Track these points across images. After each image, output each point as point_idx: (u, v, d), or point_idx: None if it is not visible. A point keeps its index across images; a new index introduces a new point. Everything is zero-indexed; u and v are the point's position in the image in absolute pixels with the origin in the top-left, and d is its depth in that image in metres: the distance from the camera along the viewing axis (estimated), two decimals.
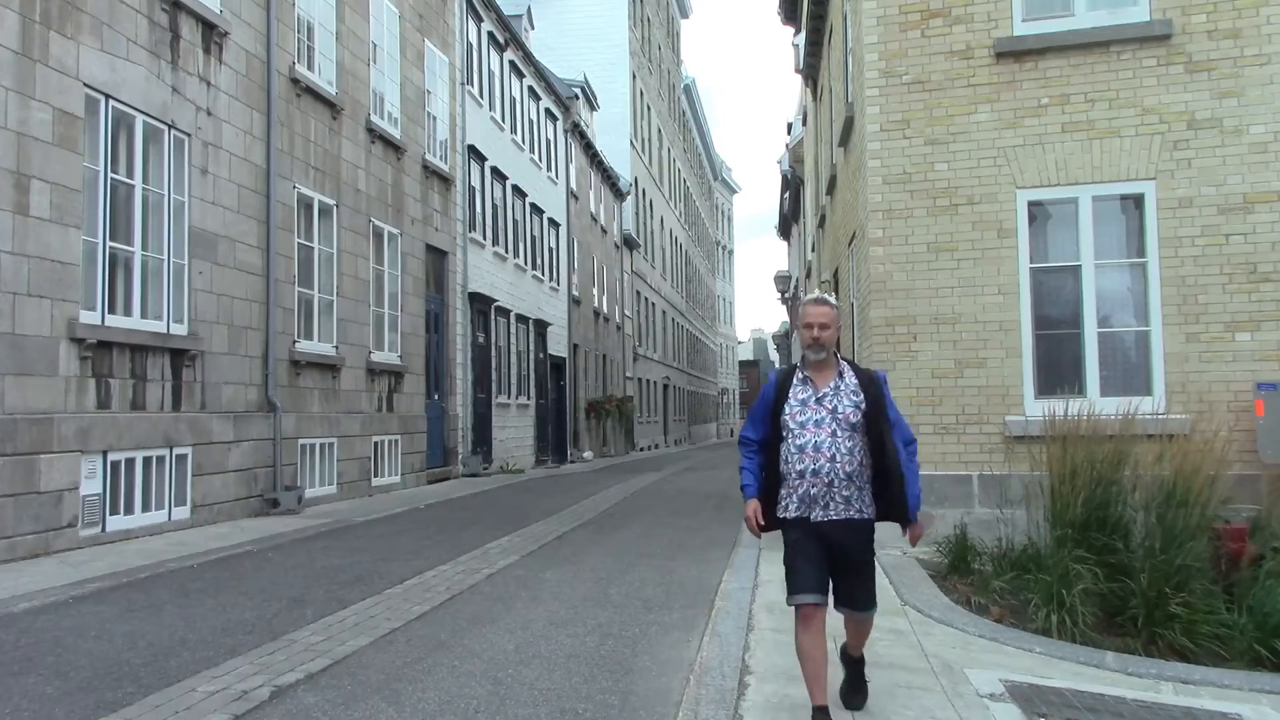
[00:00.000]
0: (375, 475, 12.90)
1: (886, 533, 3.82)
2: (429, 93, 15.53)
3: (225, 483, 9.49)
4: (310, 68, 11.60)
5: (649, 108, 38.65)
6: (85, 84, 7.75)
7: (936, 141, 7.77)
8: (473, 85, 17.82)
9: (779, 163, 29.06)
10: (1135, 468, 5.92)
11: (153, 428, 8.43)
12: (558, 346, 23.74)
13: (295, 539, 8.43)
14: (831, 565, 3.54)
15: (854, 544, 3.54)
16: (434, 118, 15.76)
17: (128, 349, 8.16)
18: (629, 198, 33.36)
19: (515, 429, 19.72)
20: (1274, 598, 5.08)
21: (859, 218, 8.60)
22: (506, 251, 19.58)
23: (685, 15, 51.02)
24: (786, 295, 27.31)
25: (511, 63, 20.59)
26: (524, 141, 21.37)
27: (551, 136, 23.94)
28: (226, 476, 9.52)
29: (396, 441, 13.58)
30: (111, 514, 7.93)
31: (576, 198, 25.95)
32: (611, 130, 32.81)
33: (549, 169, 23.49)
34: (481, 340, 17.78)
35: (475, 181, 17.78)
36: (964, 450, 7.51)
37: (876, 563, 3.72)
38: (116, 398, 8.00)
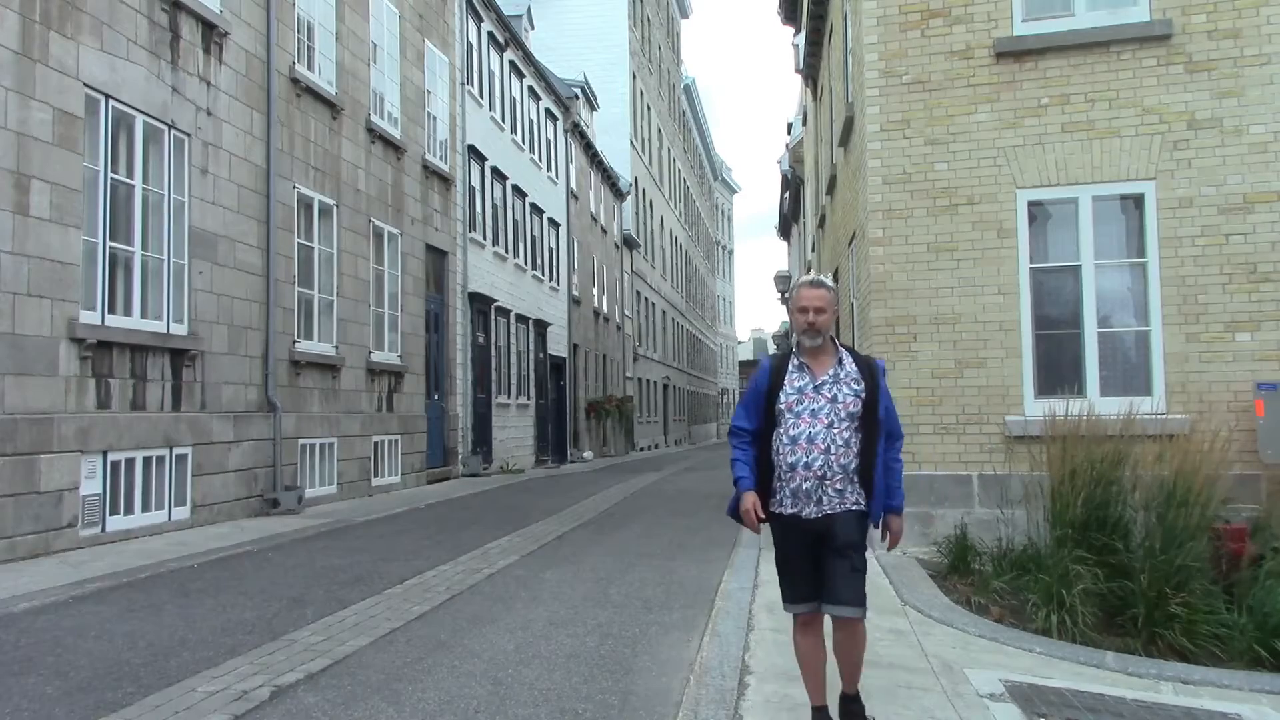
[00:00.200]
0: (375, 475, 12.90)
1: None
2: (429, 93, 15.54)
3: (225, 483, 9.49)
4: (310, 68, 11.60)
5: (649, 108, 38.66)
6: (85, 84, 7.75)
7: (936, 141, 7.77)
8: (473, 85, 17.82)
9: (779, 163, 29.06)
10: (1135, 468, 5.92)
11: (153, 428, 8.43)
12: (558, 346, 23.74)
13: (295, 539, 8.43)
14: (820, 560, 3.36)
15: (844, 533, 3.31)
16: (434, 118, 15.77)
17: (128, 349, 8.16)
18: (629, 198, 33.36)
19: (515, 429, 19.73)
20: (1274, 598, 5.08)
21: (859, 218, 8.60)
22: (506, 251, 19.58)
23: (685, 15, 51.02)
24: (786, 295, 27.31)
25: (511, 63, 20.60)
26: (524, 141, 21.37)
27: (551, 136, 23.95)
28: (226, 476, 9.52)
29: (396, 441, 13.58)
30: (111, 514, 7.93)
31: (576, 198, 25.95)
32: (611, 130, 32.81)
33: (549, 169, 23.49)
34: (481, 340, 17.78)
35: (475, 181, 17.78)
36: (964, 450, 7.51)
37: (873, 560, 3.56)
38: (116, 398, 8.00)
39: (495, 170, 18.98)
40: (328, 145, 11.89)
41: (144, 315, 8.44)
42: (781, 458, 3.37)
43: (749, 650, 4.60)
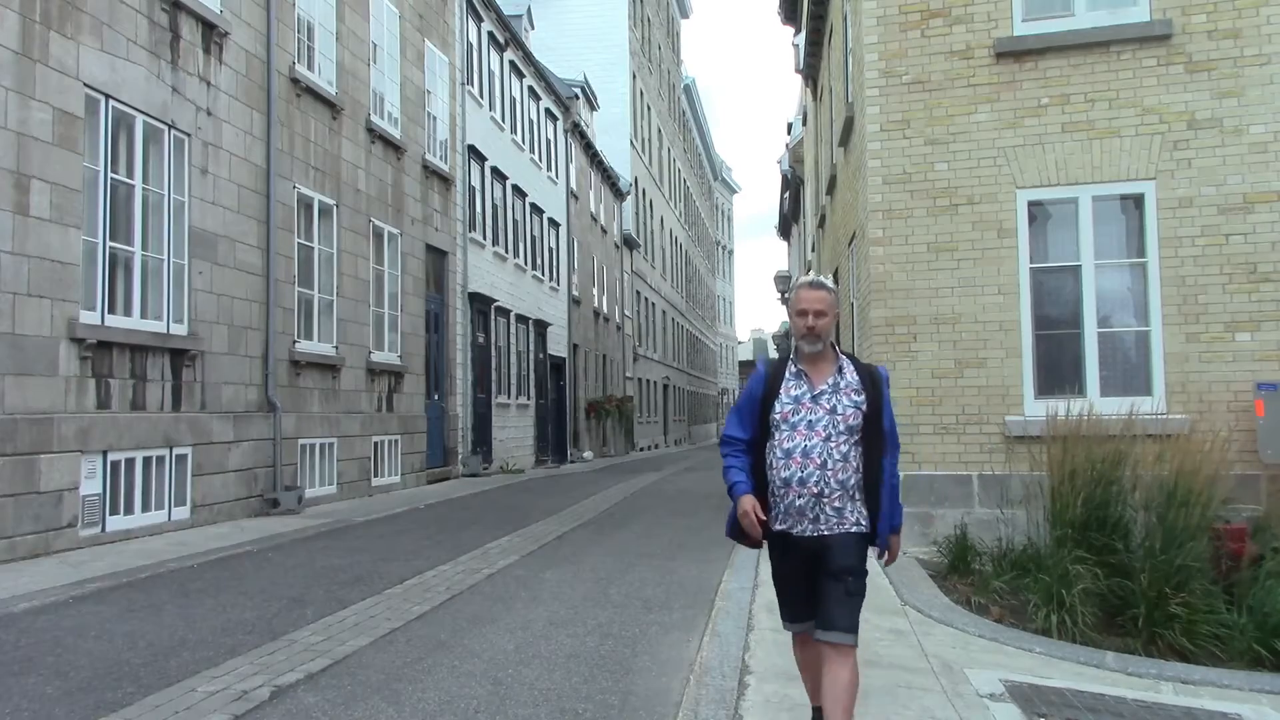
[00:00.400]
0: (375, 475, 12.90)
1: None
2: (429, 93, 15.54)
3: (225, 483, 9.49)
4: (310, 68, 11.60)
5: (649, 108, 38.66)
6: (85, 84, 7.75)
7: (936, 141, 7.78)
8: (473, 85, 17.82)
9: (779, 163, 29.06)
10: (1135, 468, 5.92)
11: (153, 428, 8.43)
12: (558, 346, 23.74)
13: (295, 539, 8.43)
14: (816, 582, 3.12)
15: (840, 557, 3.04)
16: (434, 118, 15.77)
17: (128, 349, 8.16)
18: (629, 198, 33.36)
19: (515, 429, 19.73)
20: (1274, 598, 5.08)
21: (859, 218, 8.60)
22: (506, 251, 19.58)
23: (685, 15, 51.03)
24: (786, 295, 27.31)
25: (511, 63, 20.60)
26: (524, 141, 21.37)
27: (551, 136, 23.95)
28: (226, 476, 9.52)
29: (396, 441, 13.58)
30: (111, 514, 7.93)
31: (576, 198, 25.96)
32: (611, 130, 32.81)
33: (549, 169, 23.49)
34: (481, 340, 17.78)
35: (475, 181, 17.78)
36: (964, 450, 7.51)
37: (873, 561, 3.26)
38: (116, 398, 8.00)
39: (495, 170, 18.98)
40: (328, 145, 11.89)
41: (144, 315, 8.44)
42: (775, 472, 3.13)
43: (749, 650, 4.60)
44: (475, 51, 18.19)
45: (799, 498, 3.08)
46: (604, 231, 29.90)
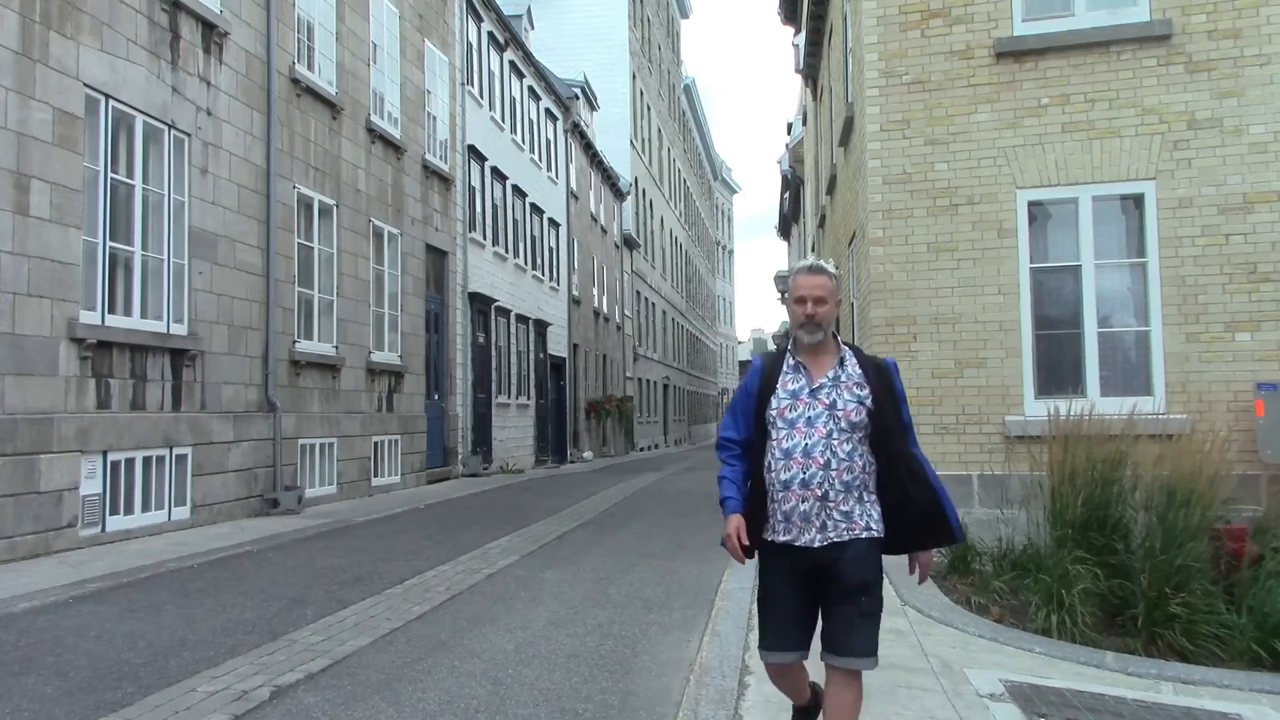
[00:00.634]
0: (375, 475, 12.90)
1: None
2: (429, 93, 15.54)
3: (225, 483, 9.49)
4: (310, 68, 11.60)
5: (649, 108, 38.66)
6: (85, 84, 7.75)
7: (936, 141, 7.77)
8: (473, 85, 17.82)
9: (779, 163, 29.07)
10: (1135, 468, 5.91)
11: (153, 428, 8.43)
12: (558, 346, 23.74)
13: (295, 539, 8.43)
14: (824, 599, 2.83)
15: (855, 573, 2.77)
16: (434, 118, 15.77)
17: (128, 349, 8.16)
18: (629, 198, 33.36)
19: (515, 429, 19.72)
20: (1274, 598, 5.08)
21: (859, 218, 8.60)
22: (506, 251, 19.58)
23: (685, 15, 51.03)
24: (786, 295, 27.29)
25: (511, 63, 20.59)
26: (524, 141, 21.37)
27: (551, 136, 23.95)
28: (226, 476, 9.52)
29: (396, 441, 13.58)
30: (111, 514, 7.93)
31: (576, 198, 25.95)
32: (611, 130, 32.81)
33: (549, 169, 23.49)
34: (481, 340, 17.78)
35: (475, 181, 17.78)
36: (964, 450, 7.51)
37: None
38: (116, 398, 8.00)
39: (495, 170, 18.98)
40: (328, 145, 11.89)
41: (144, 315, 8.44)
42: (774, 474, 2.84)
43: (749, 650, 4.59)
44: (475, 51, 18.19)
45: (802, 502, 2.79)
46: (604, 231, 29.90)
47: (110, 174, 8.07)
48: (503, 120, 19.80)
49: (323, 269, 11.72)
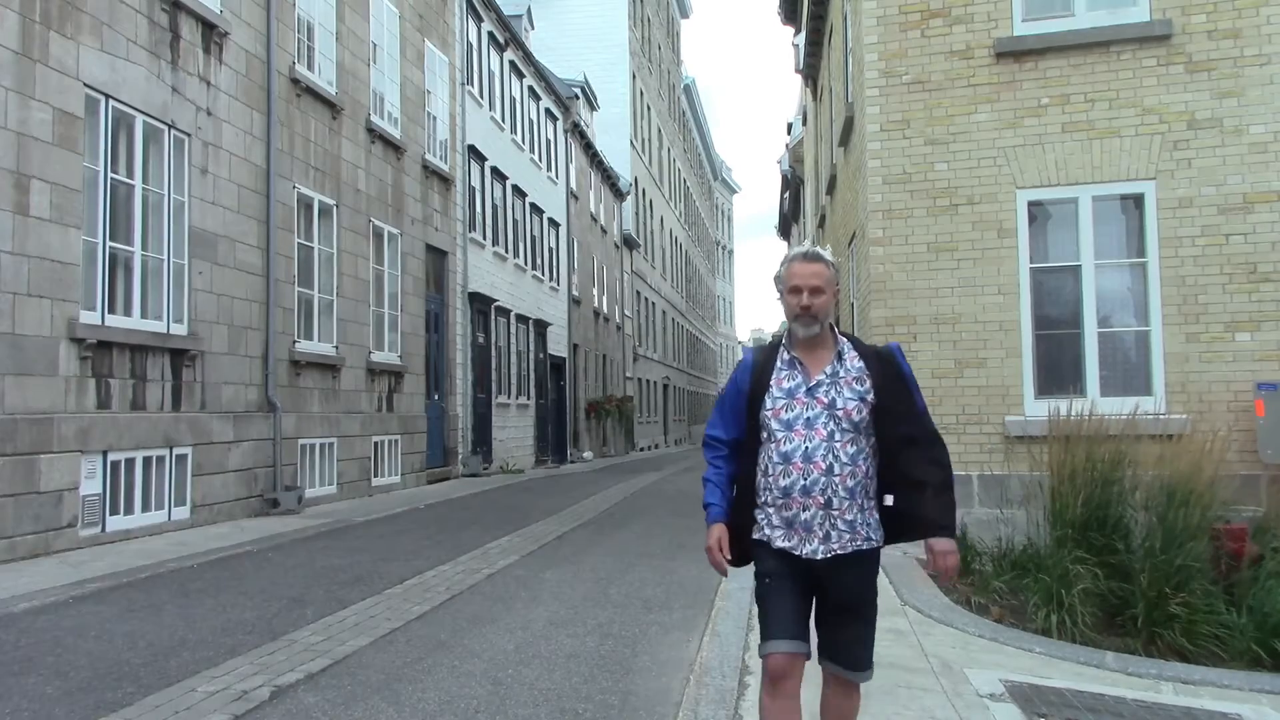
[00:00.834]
0: (375, 475, 12.90)
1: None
2: (429, 93, 15.53)
3: (225, 483, 9.49)
4: (310, 68, 11.59)
5: (649, 108, 38.66)
6: (85, 84, 7.75)
7: (936, 141, 7.78)
8: (473, 85, 17.82)
9: (779, 163, 29.07)
10: (1135, 468, 5.92)
11: (153, 428, 8.43)
12: (558, 346, 23.74)
13: (295, 539, 8.43)
14: (820, 609, 2.72)
15: (858, 583, 2.68)
16: (434, 118, 15.76)
17: (128, 349, 8.15)
18: (629, 198, 33.37)
19: (515, 429, 19.72)
20: (1274, 598, 5.08)
21: (859, 218, 8.60)
22: (506, 251, 19.58)
23: (685, 15, 51.03)
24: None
25: (511, 63, 20.59)
26: (524, 141, 21.37)
27: (551, 136, 23.95)
28: (226, 476, 9.52)
29: (396, 441, 13.58)
30: (111, 514, 7.93)
31: (576, 198, 25.95)
32: (611, 130, 32.81)
33: (549, 169, 23.49)
34: (481, 340, 17.78)
35: (475, 181, 17.78)
36: (964, 450, 7.51)
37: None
38: (116, 398, 7.99)
39: (495, 170, 18.98)
40: (328, 145, 11.89)
41: (144, 315, 8.44)
42: (772, 480, 2.66)
43: (749, 650, 4.59)
44: (475, 51, 18.19)
45: (804, 510, 2.61)
46: (604, 231, 29.90)
47: (110, 174, 8.07)
48: (503, 120, 19.80)
49: (323, 269, 11.71)
